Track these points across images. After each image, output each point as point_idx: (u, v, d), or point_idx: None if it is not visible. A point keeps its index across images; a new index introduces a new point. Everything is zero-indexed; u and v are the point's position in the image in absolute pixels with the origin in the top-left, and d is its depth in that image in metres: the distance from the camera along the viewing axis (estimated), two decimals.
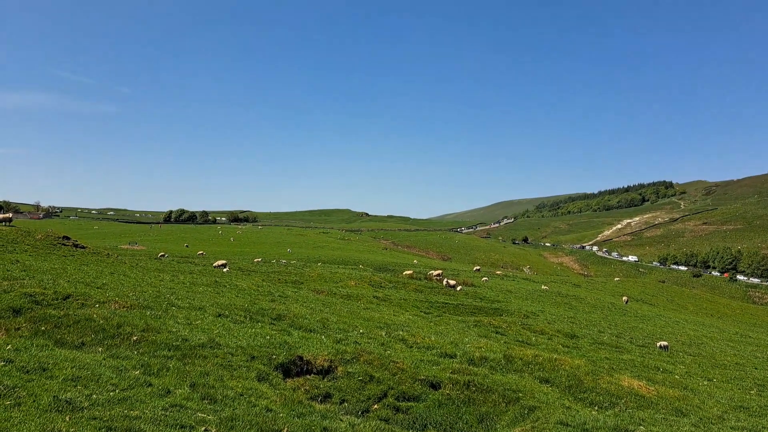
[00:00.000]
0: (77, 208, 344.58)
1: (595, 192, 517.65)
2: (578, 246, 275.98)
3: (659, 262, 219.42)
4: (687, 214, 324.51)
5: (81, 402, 8.80)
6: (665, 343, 30.04)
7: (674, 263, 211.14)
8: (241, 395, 10.85)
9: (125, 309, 16.50)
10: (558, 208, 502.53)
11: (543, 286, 71.11)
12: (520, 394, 13.43)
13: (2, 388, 8.84)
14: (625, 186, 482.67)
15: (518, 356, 17.78)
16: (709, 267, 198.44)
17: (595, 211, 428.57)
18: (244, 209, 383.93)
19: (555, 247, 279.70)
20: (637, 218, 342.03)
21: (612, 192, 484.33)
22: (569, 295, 63.57)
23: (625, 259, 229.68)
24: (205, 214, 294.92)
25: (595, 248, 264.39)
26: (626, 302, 67.88)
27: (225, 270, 44.68)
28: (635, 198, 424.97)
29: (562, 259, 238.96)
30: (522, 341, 24.44)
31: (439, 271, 62.33)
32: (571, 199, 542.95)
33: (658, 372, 21.02)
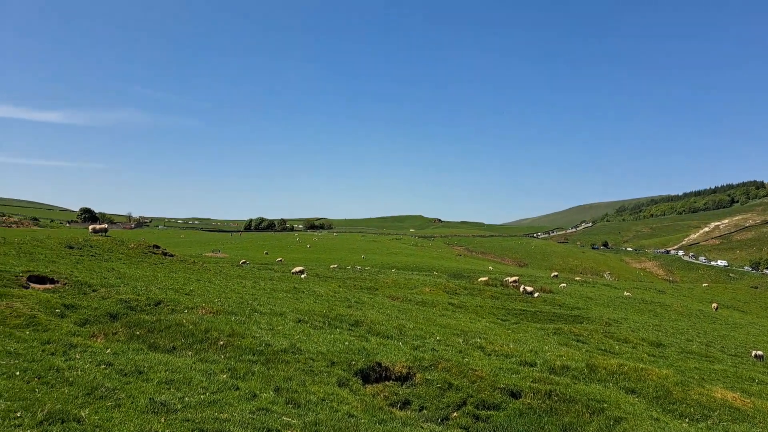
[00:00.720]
0: (165, 218, 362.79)
1: (680, 194, 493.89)
2: (662, 250, 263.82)
3: (751, 266, 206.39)
4: None
5: (174, 404, 9.23)
6: (760, 352, 28.19)
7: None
8: (323, 400, 11.03)
9: (212, 314, 17.18)
10: (640, 212, 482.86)
11: (625, 293, 68.40)
12: (605, 405, 12.94)
13: (103, 390, 9.40)
14: (712, 187, 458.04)
15: (602, 365, 17.15)
16: None
17: (680, 213, 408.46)
18: (320, 216, 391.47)
19: (637, 251, 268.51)
20: (726, 221, 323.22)
21: (698, 193, 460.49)
22: (654, 301, 60.83)
23: (713, 263, 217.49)
24: (283, 221, 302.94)
25: (680, 252, 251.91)
26: (716, 309, 64.21)
27: (303, 276, 45.70)
28: (723, 199, 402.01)
29: (644, 264, 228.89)
30: (605, 350, 23.59)
31: (516, 278, 61.17)
32: (654, 201, 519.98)
33: (753, 383, 19.76)
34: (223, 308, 18.50)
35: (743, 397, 15.68)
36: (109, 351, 12.13)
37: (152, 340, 13.80)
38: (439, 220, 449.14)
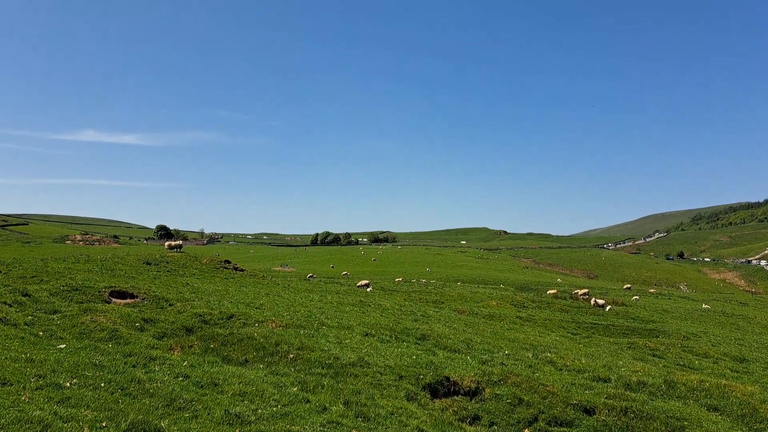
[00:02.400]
0: (235, 234, 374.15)
1: (761, 200, 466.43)
2: (743, 260, 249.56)
3: None
4: None
5: (248, 416, 9.45)
6: None
7: None
8: (391, 414, 11.01)
9: (281, 328, 17.53)
10: (717, 220, 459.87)
11: (704, 305, 65.01)
12: (686, 423, 12.30)
13: (181, 402, 9.74)
14: None
15: (681, 381, 16.33)
16: None
17: (762, 221, 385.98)
18: (384, 230, 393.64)
19: (715, 261, 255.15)
20: None
21: None
22: (735, 314, 57.52)
23: None
24: (348, 235, 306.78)
25: (762, 262, 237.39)
26: None
27: (368, 290, 45.97)
28: None
29: (724, 275, 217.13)
30: (683, 365, 22.46)
31: (586, 290, 59.32)
32: (732, 209, 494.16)
33: None
34: (292, 322, 18.84)
35: None
36: (185, 363, 12.57)
37: (225, 353, 14.21)
38: (505, 232, 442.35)
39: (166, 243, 51.67)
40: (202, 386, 10.90)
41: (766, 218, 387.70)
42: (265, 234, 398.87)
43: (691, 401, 14.70)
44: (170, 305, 20.07)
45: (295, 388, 11.58)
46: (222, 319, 18.39)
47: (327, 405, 10.73)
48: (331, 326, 19.65)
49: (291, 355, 14.26)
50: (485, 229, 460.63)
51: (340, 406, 10.84)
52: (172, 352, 14.36)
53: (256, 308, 21.74)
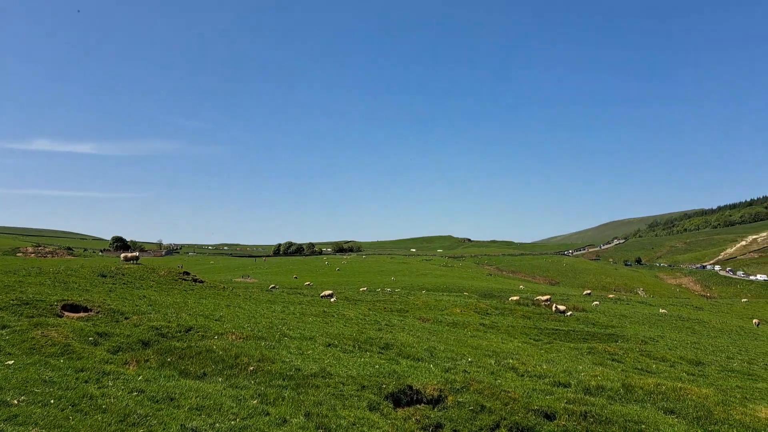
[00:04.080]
0: (195, 245, 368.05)
1: (714, 207, 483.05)
2: (698, 265, 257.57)
3: None
4: None
5: (205, 430, 9.26)
6: None
7: None
8: (353, 424, 10.93)
9: (242, 340, 17.26)
10: (673, 226, 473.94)
11: (661, 310, 66.74)
12: (643, 426, 12.55)
13: (136, 417, 9.48)
14: (748, 199, 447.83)
15: (638, 385, 16.68)
16: None
17: (715, 227, 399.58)
18: (348, 239, 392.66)
19: (672, 267, 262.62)
20: (765, 233, 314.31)
21: (733, 206, 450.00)
22: (691, 318, 59.23)
23: (752, 278, 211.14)
24: (311, 245, 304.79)
25: (717, 267, 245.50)
26: (757, 325, 62.17)
27: (332, 300, 45.72)
28: (761, 212, 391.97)
29: (680, 280, 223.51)
30: (641, 369, 22.94)
31: (547, 297, 60.24)
32: (687, 216, 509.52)
33: None
34: (253, 333, 18.58)
35: None
36: (141, 378, 12.25)
37: (183, 367, 13.90)
38: (469, 240, 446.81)
39: (123, 255, 50.40)
40: (157, 401, 10.63)
41: (719, 224, 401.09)
42: (226, 245, 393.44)
43: (649, 405, 15.02)
44: (126, 318, 19.55)
45: (255, 401, 11.39)
46: (180, 332, 18.01)
47: (287, 417, 10.58)
48: (293, 337, 19.46)
49: (251, 368, 14.04)
50: (450, 237, 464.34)
51: (301, 418, 10.71)
52: (127, 366, 13.97)
53: (216, 320, 21.38)
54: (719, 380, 22.12)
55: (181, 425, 9.24)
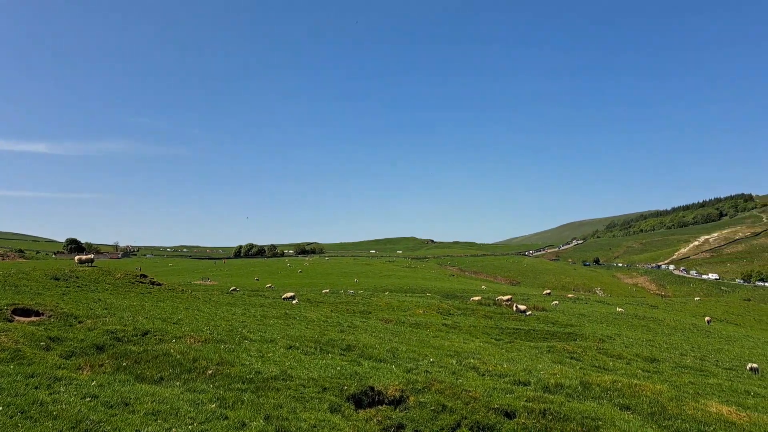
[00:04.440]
0: (153, 247, 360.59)
1: (669, 209, 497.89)
2: (653, 265, 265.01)
3: (743, 279, 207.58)
4: None
5: None
6: (755, 365, 28.18)
7: (760, 280, 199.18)
8: (314, 427, 10.86)
9: (200, 343, 16.97)
10: (629, 227, 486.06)
11: (618, 309, 68.43)
12: (600, 423, 12.83)
13: (88, 423, 9.21)
14: (701, 201, 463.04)
15: (596, 382, 17.05)
16: None
17: (670, 228, 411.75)
18: (311, 241, 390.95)
19: (628, 267, 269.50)
20: (716, 234, 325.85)
21: (686, 208, 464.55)
22: (646, 317, 60.88)
23: (704, 277, 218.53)
24: (273, 247, 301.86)
25: (671, 267, 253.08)
26: (709, 323, 64.34)
27: (294, 302, 45.38)
28: (712, 213, 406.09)
29: (636, 279, 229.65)
30: (599, 367, 23.48)
31: (509, 297, 61.09)
32: (643, 217, 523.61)
33: (749, 396, 19.68)
34: (212, 336, 18.29)
35: (739, 410, 15.61)
36: (94, 383, 11.92)
37: (139, 371, 13.59)
38: (432, 241, 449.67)
39: (77, 257, 48.94)
40: (111, 406, 10.35)
41: (673, 225, 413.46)
42: (185, 246, 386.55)
43: (605, 401, 15.36)
44: (80, 322, 19.00)
45: (213, 405, 11.21)
46: (136, 335, 17.60)
47: (246, 421, 10.44)
48: (254, 340, 19.23)
49: (210, 371, 13.82)
50: (413, 239, 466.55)
51: (261, 421, 10.58)
52: (80, 371, 13.57)
53: (174, 323, 20.96)
54: (673, 376, 22.80)
55: (136, 431, 9.03)
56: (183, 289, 43.89)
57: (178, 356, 14.57)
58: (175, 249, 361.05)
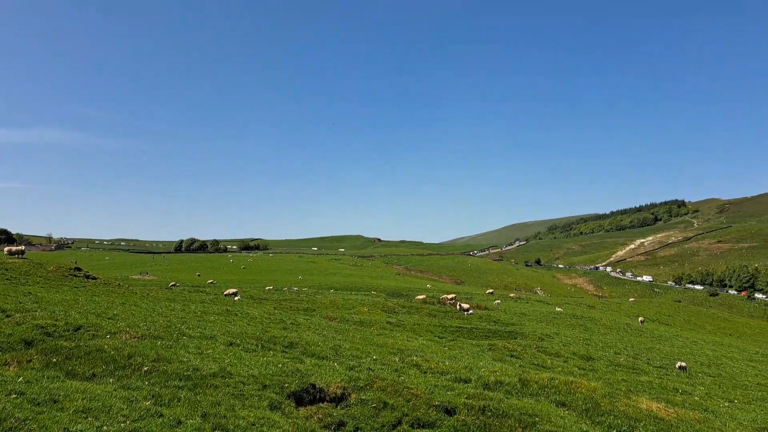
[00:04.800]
0: (89, 240, 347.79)
1: (607, 212, 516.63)
2: (591, 267, 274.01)
3: (674, 281, 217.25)
4: (701, 232, 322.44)
5: None
6: (684, 363, 29.53)
7: (690, 282, 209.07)
8: (252, 425, 10.71)
9: (136, 339, 16.46)
10: (570, 230, 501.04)
11: (557, 308, 70.42)
12: (537, 419, 13.17)
13: (13, 421, 8.79)
14: (637, 206, 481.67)
15: (534, 380, 17.49)
16: (725, 286, 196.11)
17: (608, 231, 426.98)
18: (255, 237, 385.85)
19: (568, 268, 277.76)
20: (651, 238, 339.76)
21: (624, 212, 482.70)
22: (584, 316, 62.88)
23: (639, 279, 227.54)
24: (216, 242, 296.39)
25: (608, 269, 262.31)
26: (642, 323, 67.03)
27: (236, 298, 44.65)
28: (648, 217, 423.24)
29: (575, 280, 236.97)
30: (537, 364, 24.10)
31: (453, 295, 61.93)
32: (583, 220, 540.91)
33: (677, 394, 20.61)
34: (148, 332, 17.77)
35: (667, 407, 16.32)
36: (21, 379, 11.39)
37: (70, 367, 13.06)
38: (379, 240, 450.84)
39: (6, 248, 46.57)
40: (39, 403, 9.91)
41: (611, 229, 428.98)
42: (123, 240, 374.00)
43: (543, 398, 15.79)
44: (8, 316, 18.12)
45: (148, 402, 10.89)
46: (68, 330, 16.90)
47: (182, 418, 10.19)
48: (193, 336, 18.80)
49: (145, 368, 13.41)
50: (360, 237, 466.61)
51: (197, 419, 10.34)
52: (7, 367, 12.94)
53: (109, 319, 20.26)
54: (607, 374, 23.65)
55: (65, 429, 8.67)
56: (120, 284, 42.54)
57: (113, 352, 14.08)
58: (113, 242, 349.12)
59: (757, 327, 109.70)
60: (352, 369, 16.57)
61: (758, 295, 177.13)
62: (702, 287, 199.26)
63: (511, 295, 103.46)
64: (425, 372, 17.81)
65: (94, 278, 40.93)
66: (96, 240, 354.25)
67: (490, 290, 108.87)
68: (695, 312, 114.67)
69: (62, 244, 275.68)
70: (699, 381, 25.57)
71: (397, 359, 19.43)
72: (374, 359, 18.93)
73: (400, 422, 12.73)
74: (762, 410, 19.87)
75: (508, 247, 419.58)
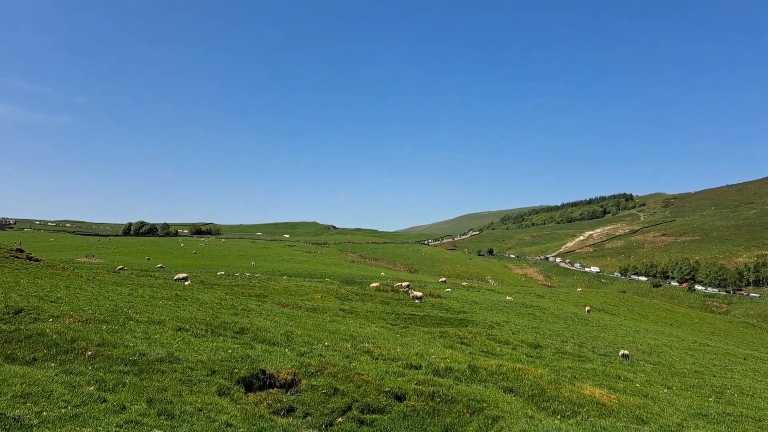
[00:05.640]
0: (32, 220, 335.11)
1: (559, 204, 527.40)
2: (542, 257, 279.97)
3: (620, 272, 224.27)
4: (646, 225, 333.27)
5: (30, 419, 8.45)
6: (626, 351, 30.56)
7: (635, 274, 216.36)
8: (200, 410, 10.58)
9: (80, 323, 16.01)
10: (522, 221, 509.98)
11: (507, 297, 71.76)
12: (484, 404, 13.44)
13: None
14: (588, 198, 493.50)
15: (483, 366, 17.82)
16: (668, 277, 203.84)
17: (559, 223, 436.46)
18: (207, 222, 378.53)
19: (519, 258, 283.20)
20: (599, 230, 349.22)
21: (574, 204, 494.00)
22: (533, 305, 64.27)
23: (587, 270, 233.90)
24: (166, 226, 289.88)
25: (558, 259, 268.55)
26: (588, 312, 68.96)
27: (186, 283, 43.85)
28: (597, 210, 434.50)
29: (526, 270, 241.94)
30: (487, 352, 24.54)
31: (406, 283, 62.34)
32: (535, 211, 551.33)
33: (619, 380, 21.33)
34: (93, 316, 17.31)
35: (610, 393, 16.90)
36: None
37: (9, 352, 12.61)
38: (334, 227, 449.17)
39: None
40: None
41: (562, 220, 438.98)
42: (69, 221, 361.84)
43: (491, 384, 16.11)
44: None
45: (92, 387, 10.62)
46: (8, 314, 16.32)
47: (127, 404, 9.98)
48: (140, 321, 18.41)
49: (89, 352, 13.07)
50: (315, 224, 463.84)
51: (142, 404, 10.15)
52: None
53: (52, 302, 19.64)
54: (554, 361, 24.29)
55: (1, 414, 8.37)
56: (64, 267, 41.20)
57: (55, 336, 13.66)
58: (58, 224, 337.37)
59: (696, 317, 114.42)
60: (303, 355, 16.54)
61: (698, 287, 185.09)
62: (646, 278, 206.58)
63: (464, 283, 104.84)
64: (377, 358, 17.92)
65: (37, 260, 39.51)
66: (40, 221, 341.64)
67: (443, 279, 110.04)
68: (639, 302, 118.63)
69: (3, 225, 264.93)
70: (640, 368, 26.53)
71: (349, 346, 19.49)
72: (326, 345, 18.95)
73: (350, 408, 12.81)
74: (698, 396, 20.79)
75: (462, 237, 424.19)
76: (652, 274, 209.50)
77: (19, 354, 12.51)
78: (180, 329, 18.15)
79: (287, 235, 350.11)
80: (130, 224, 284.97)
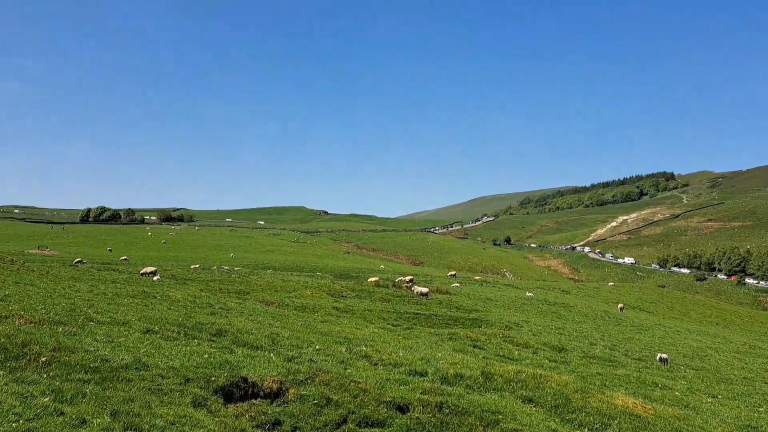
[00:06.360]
0: None
1: (588, 185, 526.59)
2: (568, 247, 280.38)
3: (659, 264, 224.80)
4: (690, 209, 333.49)
5: None
6: (665, 355, 30.74)
7: (675, 265, 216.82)
8: (172, 424, 10.68)
9: (32, 325, 16.10)
10: (545, 204, 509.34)
11: (527, 293, 72.00)
12: (500, 416, 13.54)
13: None
14: (621, 178, 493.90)
15: (498, 373, 17.94)
16: (714, 269, 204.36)
17: (587, 206, 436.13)
18: (178, 207, 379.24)
19: (541, 248, 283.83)
20: (634, 215, 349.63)
21: (606, 185, 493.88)
22: (557, 302, 64.49)
23: (620, 261, 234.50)
24: (131, 212, 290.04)
25: (586, 249, 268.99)
26: (621, 310, 69.24)
27: (155, 278, 44.00)
28: (632, 192, 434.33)
29: (549, 261, 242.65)
30: (503, 356, 24.69)
31: (410, 278, 62.57)
32: (560, 193, 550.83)
33: (656, 388, 21.48)
34: (48, 317, 17.40)
35: (645, 403, 17.02)
36: None
37: None
38: (326, 213, 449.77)
39: None
40: None
41: (591, 204, 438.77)
42: (18, 207, 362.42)
43: (507, 393, 16.23)
44: None
45: (47, 399, 10.71)
46: None
47: (87, 417, 10.06)
48: (102, 322, 18.52)
49: (44, 358, 13.15)
50: (303, 209, 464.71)
51: (105, 417, 10.24)
52: None
53: None
54: (581, 367, 24.44)
55: None
56: (13, 260, 41.32)
57: (3, 340, 13.73)
58: (4, 209, 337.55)
59: (746, 315, 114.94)
60: (291, 360, 16.64)
61: (749, 281, 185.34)
62: (689, 271, 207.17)
63: (477, 277, 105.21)
64: (376, 364, 18.03)
65: None
66: None
67: (453, 272, 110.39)
68: (680, 298, 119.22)
69: None
70: (681, 374, 26.71)
71: (343, 349, 19.61)
72: (317, 349, 19.06)
73: (345, 421, 12.90)
74: (747, 406, 20.95)
75: (475, 224, 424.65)
76: (696, 265, 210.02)
77: None
78: (148, 331, 18.25)
79: (262, 222, 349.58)
80: (89, 210, 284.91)
